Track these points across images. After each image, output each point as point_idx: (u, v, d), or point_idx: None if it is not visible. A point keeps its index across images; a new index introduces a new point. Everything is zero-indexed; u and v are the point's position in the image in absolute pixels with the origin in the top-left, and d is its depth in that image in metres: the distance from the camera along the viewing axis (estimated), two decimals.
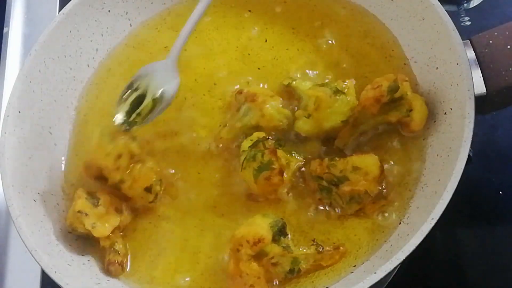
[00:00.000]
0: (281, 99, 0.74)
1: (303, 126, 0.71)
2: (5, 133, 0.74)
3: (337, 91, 0.70)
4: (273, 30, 0.84)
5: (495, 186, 0.85)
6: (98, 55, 0.86)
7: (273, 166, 0.67)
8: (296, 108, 0.74)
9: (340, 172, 0.67)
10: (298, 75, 0.78)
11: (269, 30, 0.84)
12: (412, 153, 0.70)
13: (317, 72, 0.79)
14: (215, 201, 0.73)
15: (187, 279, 0.69)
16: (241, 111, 0.74)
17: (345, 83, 0.72)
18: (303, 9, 0.84)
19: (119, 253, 0.70)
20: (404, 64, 0.77)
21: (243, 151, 0.70)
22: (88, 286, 0.68)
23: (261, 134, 0.71)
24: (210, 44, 0.84)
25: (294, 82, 0.76)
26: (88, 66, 0.86)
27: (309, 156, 0.72)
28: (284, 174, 0.68)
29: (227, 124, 0.75)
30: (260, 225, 0.64)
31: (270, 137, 0.70)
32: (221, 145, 0.75)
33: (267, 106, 0.72)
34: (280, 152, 0.69)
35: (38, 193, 0.74)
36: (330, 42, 0.81)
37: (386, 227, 0.67)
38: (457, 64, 0.69)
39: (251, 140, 0.70)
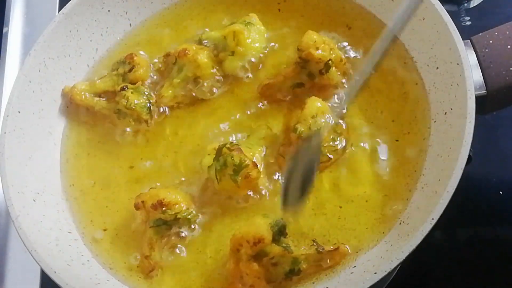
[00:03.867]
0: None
1: (231, 64, 0.78)
2: (5, 133, 0.74)
3: (248, 23, 0.78)
4: (273, 27, 0.84)
5: (495, 186, 0.85)
6: (98, 55, 0.86)
7: (247, 163, 0.68)
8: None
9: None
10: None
11: (268, 28, 0.84)
12: (412, 153, 0.70)
13: None
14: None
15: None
16: (175, 69, 0.79)
17: (249, 16, 0.79)
18: (303, 9, 0.84)
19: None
20: (405, 63, 0.77)
21: (209, 167, 0.70)
22: (88, 286, 0.68)
23: (216, 144, 0.72)
24: None
25: (202, 35, 0.81)
26: (88, 66, 0.86)
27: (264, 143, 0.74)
28: (258, 165, 0.70)
29: (164, 84, 0.79)
30: (260, 225, 0.64)
31: (227, 143, 0.71)
32: (162, 106, 0.79)
33: (200, 56, 0.77)
34: (243, 149, 0.70)
35: (38, 193, 0.74)
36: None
37: (386, 227, 0.67)
38: (458, 64, 0.69)
39: (208, 155, 0.71)
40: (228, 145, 0.70)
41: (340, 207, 0.69)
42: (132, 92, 0.78)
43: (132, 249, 0.72)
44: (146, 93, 0.79)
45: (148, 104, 0.78)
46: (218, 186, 0.70)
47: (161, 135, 0.79)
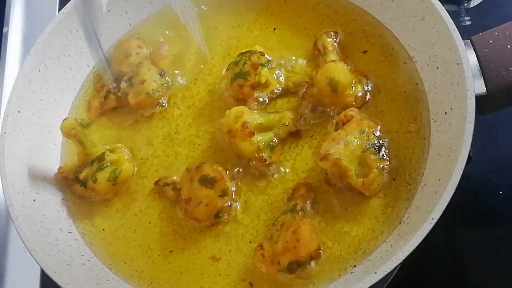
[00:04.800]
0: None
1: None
2: (5, 133, 0.74)
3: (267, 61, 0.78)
4: (272, 29, 0.84)
5: (495, 186, 0.85)
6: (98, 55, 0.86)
7: (248, 78, 0.73)
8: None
9: None
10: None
11: (269, 29, 0.84)
12: (412, 153, 0.70)
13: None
14: None
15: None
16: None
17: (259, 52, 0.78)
18: (303, 9, 0.84)
19: None
20: (405, 63, 0.77)
21: (227, 69, 0.78)
22: (88, 286, 0.68)
23: (260, 49, 0.77)
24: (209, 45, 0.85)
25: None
26: (88, 66, 0.86)
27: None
28: (256, 90, 0.74)
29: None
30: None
31: (265, 55, 0.76)
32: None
33: (264, 69, 0.77)
34: (264, 71, 0.74)
35: (38, 193, 0.74)
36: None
37: (386, 227, 0.67)
38: (457, 63, 0.69)
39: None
40: (253, 55, 0.74)
41: (340, 207, 0.69)
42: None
43: (133, 249, 0.72)
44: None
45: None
46: (224, 72, 0.78)
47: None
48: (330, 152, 0.66)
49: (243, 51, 0.77)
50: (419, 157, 0.70)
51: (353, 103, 0.73)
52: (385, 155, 0.69)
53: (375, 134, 0.70)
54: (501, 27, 0.72)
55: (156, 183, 0.74)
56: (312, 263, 0.65)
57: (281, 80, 0.78)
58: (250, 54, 0.75)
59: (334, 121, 0.72)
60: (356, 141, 0.67)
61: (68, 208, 0.76)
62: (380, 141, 0.69)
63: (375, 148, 0.68)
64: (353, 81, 0.73)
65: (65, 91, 0.83)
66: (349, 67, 0.74)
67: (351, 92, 0.73)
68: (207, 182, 0.68)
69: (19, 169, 0.74)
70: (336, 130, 0.69)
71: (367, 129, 0.69)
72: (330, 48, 0.77)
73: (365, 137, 0.68)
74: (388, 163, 0.69)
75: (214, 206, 0.69)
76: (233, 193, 0.71)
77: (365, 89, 0.75)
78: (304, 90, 0.76)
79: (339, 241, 0.67)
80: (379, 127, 0.71)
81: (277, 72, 0.78)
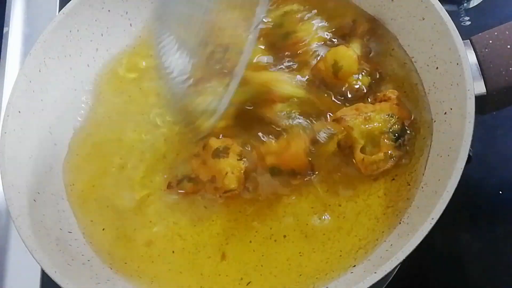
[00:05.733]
0: None
1: None
2: (5, 133, 0.74)
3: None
4: None
5: (495, 186, 0.85)
6: (98, 55, 0.86)
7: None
8: None
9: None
10: None
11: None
12: (412, 153, 0.70)
13: None
14: None
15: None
16: None
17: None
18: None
19: None
20: (404, 63, 0.77)
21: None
22: (89, 286, 0.68)
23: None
24: None
25: None
26: (88, 66, 0.86)
27: None
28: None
29: None
30: None
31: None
32: None
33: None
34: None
35: (38, 193, 0.74)
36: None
37: (386, 227, 0.67)
38: (457, 64, 0.69)
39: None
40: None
41: (340, 205, 0.69)
42: None
43: (133, 249, 0.72)
44: None
45: None
46: None
47: None
48: (345, 118, 0.66)
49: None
50: (419, 157, 0.70)
51: (350, 93, 0.74)
52: (401, 145, 0.68)
53: (404, 124, 0.69)
54: (501, 27, 0.72)
55: (169, 186, 0.73)
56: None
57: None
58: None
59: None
60: (378, 120, 0.68)
61: (68, 208, 0.76)
62: (403, 131, 0.69)
63: (394, 135, 0.68)
64: (362, 73, 0.74)
65: (65, 91, 0.83)
66: (363, 57, 0.74)
67: (353, 81, 0.73)
68: (222, 153, 0.69)
69: (19, 169, 0.74)
70: (372, 103, 0.71)
71: (397, 116, 0.69)
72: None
73: (390, 122, 0.68)
74: (400, 153, 0.68)
75: (239, 170, 0.69)
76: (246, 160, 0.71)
77: (369, 86, 0.74)
78: (315, 62, 0.76)
79: (339, 240, 0.67)
80: (412, 119, 0.71)
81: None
